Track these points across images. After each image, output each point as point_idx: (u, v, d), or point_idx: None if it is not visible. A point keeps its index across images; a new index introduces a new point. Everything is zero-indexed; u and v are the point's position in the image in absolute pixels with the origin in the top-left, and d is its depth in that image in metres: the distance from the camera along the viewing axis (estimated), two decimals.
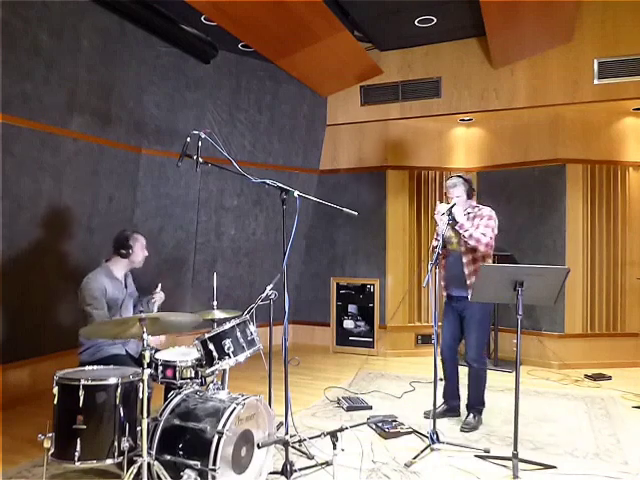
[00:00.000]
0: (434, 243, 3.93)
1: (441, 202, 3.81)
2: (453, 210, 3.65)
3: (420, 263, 6.12)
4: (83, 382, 2.51)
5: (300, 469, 3.01)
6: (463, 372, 3.88)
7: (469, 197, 3.79)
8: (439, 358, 3.82)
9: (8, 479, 2.98)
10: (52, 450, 2.51)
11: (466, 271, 3.73)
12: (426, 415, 3.94)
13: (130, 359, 3.28)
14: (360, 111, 6.09)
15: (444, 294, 3.94)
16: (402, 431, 3.61)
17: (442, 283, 3.94)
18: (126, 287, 3.47)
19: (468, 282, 3.72)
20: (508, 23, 4.58)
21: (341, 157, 6.32)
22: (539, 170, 5.65)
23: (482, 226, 3.67)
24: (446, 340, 3.90)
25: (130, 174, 5.01)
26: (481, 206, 3.82)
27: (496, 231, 3.74)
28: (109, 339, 3.15)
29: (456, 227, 3.66)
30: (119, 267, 3.41)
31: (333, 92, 6.17)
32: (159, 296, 3.50)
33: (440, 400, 3.93)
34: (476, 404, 3.81)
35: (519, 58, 5.34)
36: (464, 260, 3.74)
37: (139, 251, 3.41)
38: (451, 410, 3.96)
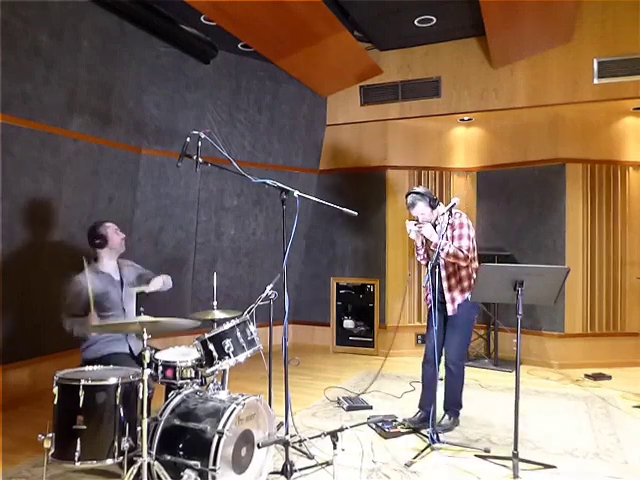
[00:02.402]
0: (418, 258, 3.87)
1: (410, 219, 3.72)
2: (422, 232, 3.57)
3: (420, 263, 6.12)
4: (83, 382, 2.51)
5: (300, 469, 3.01)
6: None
7: (434, 207, 3.66)
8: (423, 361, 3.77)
9: (8, 479, 2.98)
10: (52, 450, 2.51)
11: (445, 285, 3.65)
12: (405, 422, 3.76)
13: (133, 357, 3.29)
14: (360, 111, 6.09)
15: (428, 298, 3.77)
16: (402, 431, 3.61)
17: (425, 286, 3.84)
18: (121, 278, 3.47)
19: (447, 296, 3.63)
20: (508, 23, 4.58)
21: (341, 157, 6.32)
22: (539, 170, 5.65)
23: (456, 238, 3.55)
24: (431, 343, 3.64)
25: (130, 174, 5.01)
26: (453, 210, 3.55)
27: (472, 235, 3.61)
28: (110, 332, 3.23)
29: (431, 247, 3.58)
30: (103, 260, 3.44)
31: (333, 92, 6.17)
32: (157, 282, 3.44)
33: (439, 403, 3.85)
34: (453, 406, 3.77)
35: (519, 58, 5.34)
36: (442, 274, 3.64)
37: (113, 235, 3.44)
38: (429, 418, 3.47)
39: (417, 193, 3.65)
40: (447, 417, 3.75)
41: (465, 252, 3.52)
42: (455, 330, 3.68)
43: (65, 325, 3.27)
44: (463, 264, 3.57)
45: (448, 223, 3.49)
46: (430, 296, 3.67)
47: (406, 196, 3.73)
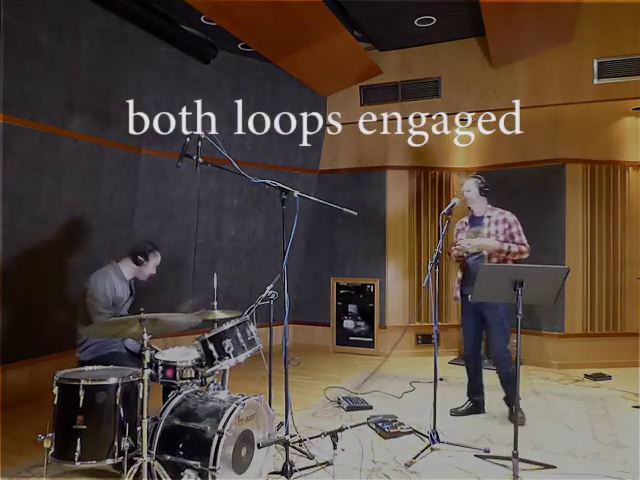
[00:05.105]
0: (454, 252, 3.93)
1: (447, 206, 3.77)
2: (482, 244, 3.75)
3: (420, 263, 6.13)
4: (83, 382, 2.51)
5: (300, 469, 3.00)
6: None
7: (482, 194, 3.89)
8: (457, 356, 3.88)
9: (8, 479, 2.98)
10: (52, 450, 2.51)
11: None
12: (453, 413, 3.99)
13: (130, 356, 3.29)
14: (360, 111, 6.09)
15: (457, 294, 3.98)
16: (402, 431, 3.61)
17: (457, 285, 4.00)
18: (131, 290, 3.50)
19: None
20: (508, 23, 4.58)
21: (341, 157, 6.32)
22: (539, 170, 5.65)
23: (516, 235, 3.80)
24: (469, 339, 3.98)
25: (130, 174, 5.01)
26: (499, 209, 3.91)
27: None
28: (108, 338, 3.18)
29: (500, 257, 3.75)
30: (128, 270, 3.45)
31: (333, 92, 6.17)
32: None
33: (461, 400, 4.05)
34: (511, 400, 3.82)
35: (519, 58, 5.35)
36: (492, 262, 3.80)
37: (151, 267, 3.48)
38: (475, 406, 4.01)
39: (478, 177, 3.96)
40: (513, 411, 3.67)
41: (528, 245, 3.78)
42: (495, 326, 3.80)
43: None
44: (526, 257, 3.76)
45: (467, 222, 3.83)
46: (458, 293, 3.94)
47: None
